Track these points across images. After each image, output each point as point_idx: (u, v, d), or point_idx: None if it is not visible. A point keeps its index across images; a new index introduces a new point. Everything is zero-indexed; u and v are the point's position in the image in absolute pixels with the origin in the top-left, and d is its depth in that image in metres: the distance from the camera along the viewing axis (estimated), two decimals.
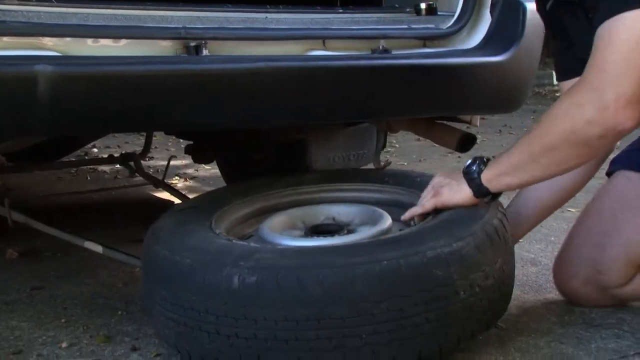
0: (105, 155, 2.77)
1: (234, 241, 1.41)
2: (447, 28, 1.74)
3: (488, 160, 1.44)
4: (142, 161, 2.63)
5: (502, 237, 1.37)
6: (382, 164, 2.06)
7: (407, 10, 1.80)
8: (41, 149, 2.71)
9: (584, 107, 1.26)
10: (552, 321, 1.56)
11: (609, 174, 1.65)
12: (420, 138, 2.28)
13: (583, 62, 1.30)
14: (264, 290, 1.21)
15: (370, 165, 2.19)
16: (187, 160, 3.47)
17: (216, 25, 1.50)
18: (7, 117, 1.24)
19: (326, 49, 1.61)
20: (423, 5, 1.77)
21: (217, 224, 1.51)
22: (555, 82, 8.46)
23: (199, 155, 2.61)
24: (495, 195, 1.44)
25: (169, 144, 4.43)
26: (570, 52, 1.55)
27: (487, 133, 4.82)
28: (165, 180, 2.60)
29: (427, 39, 1.74)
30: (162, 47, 1.43)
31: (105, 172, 3.74)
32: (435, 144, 2.07)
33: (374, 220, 1.52)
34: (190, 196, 2.67)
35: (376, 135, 2.10)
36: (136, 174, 2.61)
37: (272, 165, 2.53)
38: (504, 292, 1.38)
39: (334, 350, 1.20)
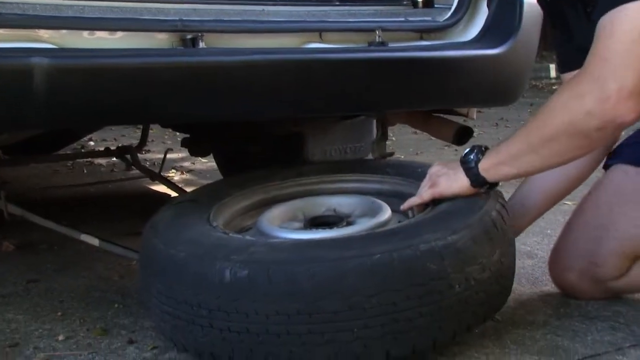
0: (102, 148, 2.77)
1: (230, 234, 1.41)
2: (444, 20, 1.74)
3: (486, 149, 1.42)
4: (138, 154, 2.63)
5: (500, 228, 1.36)
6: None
7: (404, 2, 1.80)
8: (37, 141, 2.70)
9: (584, 98, 1.25)
10: (548, 314, 1.57)
11: (605, 167, 1.65)
12: (417, 131, 2.28)
13: (583, 54, 1.29)
14: (255, 284, 1.20)
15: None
16: (184, 153, 3.46)
17: (213, 18, 1.49)
18: (3, 110, 1.24)
19: (323, 42, 1.61)
20: None
21: (215, 216, 1.50)
22: (552, 75, 8.50)
23: (195, 148, 2.61)
24: (493, 185, 1.43)
25: (166, 137, 4.43)
26: (569, 44, 1.54)
27: (483, 126, 4.83)
28: (161, 173, 2.59)
29: (424, 32, 1.74)
30: (159, 40, 1.42)
31: (101, 165, 3.74)
32: (432, 137, 2.07)
33: (373, 212, 1.51)
34: (187, 189, 2.67)
35: (376, 127, 2.09)
36: (133, 167, 2.61)
37: (268, 158, 2.53)
38: (502, 285, 1.36)
39: (326, 344, 1.19)
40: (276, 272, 1.20)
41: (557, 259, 1.66)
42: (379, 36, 1.61)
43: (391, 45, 1.63)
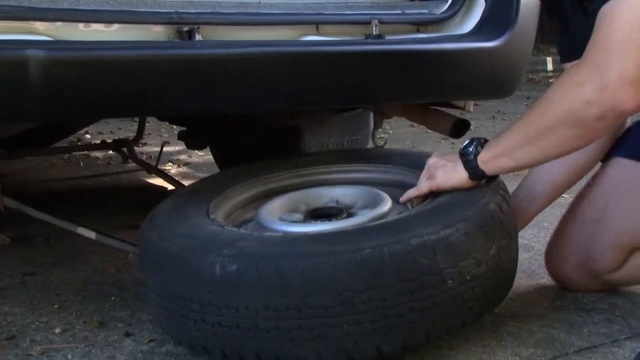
0: (98, 141, 2.76)
1: (226, 227, 1.40)
2: (441, 13, 1.73)
3: (485, 141, 1.41)
4: (135, 147, 2.63)
5: (498, 222, 1.33)
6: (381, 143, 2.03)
7: None
8: (33, 135, 2.69)
9: (583, 87, 1.23)
10: (544, 306, 1.57)
11: (602, 160, 1.65)
12: (414, 124, 2.28)
13: (581, 45, 1.27)
14: (245, 278, 1.19)
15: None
16: (181, 147, 3.45)
17: (209, 10, 1.49)
18: None
19: (319, 34, 1.60)
20: None
21: (215, 208, 1.50)
22: (549, 68, 8.50)
23: (192, 141, 2.61)
24: (491, 179, 1.41)
25: (162, 130, 4.42)
26: (567, 36, 1.54)
27: (480, 119, 4.83)
28: (158, 167, 2.59)
29: (420, 24, 1.73)
30: (155, 32, 1.42)
31: (98, 158, 3.73)
32: (429, 130, 2.07)
33: (374, 203, 1.49)
34: (184, 182, 2.67)
35: (373, 117, 2.09)
36: (129, 160, 2.61)
37: (265, 151, 2.52)
38: (500, 279, 1.34)
39: (316, 340, 1.18)
40: (265, 266, 1.19)
41: (553, 252, 1.66)
42: (375, 27, 1.61)
43: (388, 37, 1.63)
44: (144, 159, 2.93)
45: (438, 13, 1.74)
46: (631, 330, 1.44)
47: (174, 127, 3.66)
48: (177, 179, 2.61)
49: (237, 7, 1.53)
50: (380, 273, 1.18)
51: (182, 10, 1.43)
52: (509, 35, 1.71)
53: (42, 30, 1.30)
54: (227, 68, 1.42)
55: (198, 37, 1.42)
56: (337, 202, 1.58)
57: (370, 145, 2.12)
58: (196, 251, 1.27)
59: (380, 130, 1.97)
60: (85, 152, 3.72)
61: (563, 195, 1.67)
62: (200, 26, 1.42)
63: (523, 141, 1.33)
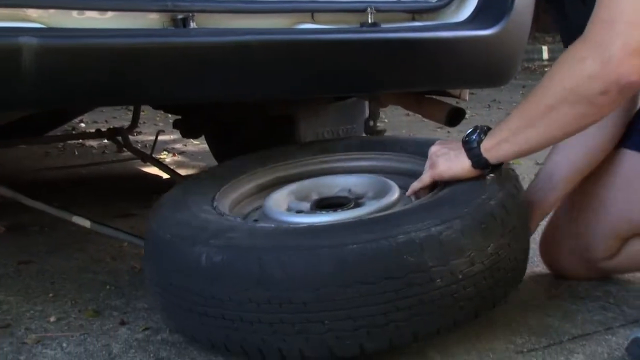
0: (93, 130, 2.76)
1: (224, 216, 1.38)
2: (437, 1, 1.73)
3: (489, 129, 1.36)
4: (130, 136, 2.63)
5: (499, 220, 1.27)
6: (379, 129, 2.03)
7: None
8: (27, 123, 2.68)
9: (585, 62, 1.19)
10: (539, 294, 1.58)
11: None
12: (410, 113, 2.28)
13: (580, 30, 1.24)
14: (229, 270, 1.19)
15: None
16: (176, 135, 3.45)
17: None
18: None
19: (314, 22, 1.59)
20: None
21: (221, 197, 1.48)
22: (544, 56, 8.49)
23: (187, 130, 2.61)
24: (495, 167, 1.36)
25: (157, 118, 4.41)
26: (565, 23, 1.53)
27: (476, 108, 4.83)
28: (153, 155, 2.59)
29: (416, 12, 1.73)
30: (149, 20, 1.41)
31: (92, 147, 3.72)
32: (424, 119, 2.07)
33: (383, 193, 1.46)
34: (179, 171, 2.67)
35: (369, 106, 2.08)
36: (124, 148, 2.61)
37: (260, 140, 2.52)
38: (498, 279, 1.27)
39: (297, 334, 1.16)
40: (248, 258, 1.18)
41: (548, 240, 1.67)
42: (371, 15, 1.60)
43: (383, 26, 1.63)
44: (138, 147, 2.92)
45: (434, 1, 1.73)
46: (625, 317, 1.44)
47: (169, 115, 3.66)
48: (172, 167, 2.60)
49: None
50: (363, 269, 1.15)
51: None
52: (504, 23, 1.70)
53: (35, 18, 1.30)
54: (221, 56, 1.41)
55: (193, 25, 1.41)
56: (349, 191, 1.54)
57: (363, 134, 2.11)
58: (186, 240, 1.27)
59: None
60: (80, 140, 3.71)
61: None
62: (195, 14, 1.42)
63: (525, 124, 1.29)
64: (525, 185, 1.52)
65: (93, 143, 3.75)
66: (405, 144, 1.71)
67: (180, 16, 1.40)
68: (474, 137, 1.35)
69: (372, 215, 1.34)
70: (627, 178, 1.53)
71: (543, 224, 1.67)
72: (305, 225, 1.34)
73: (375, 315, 1.16)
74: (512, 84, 2.09)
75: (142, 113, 2.91)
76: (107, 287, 1.67)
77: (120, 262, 1.84)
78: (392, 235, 1.18)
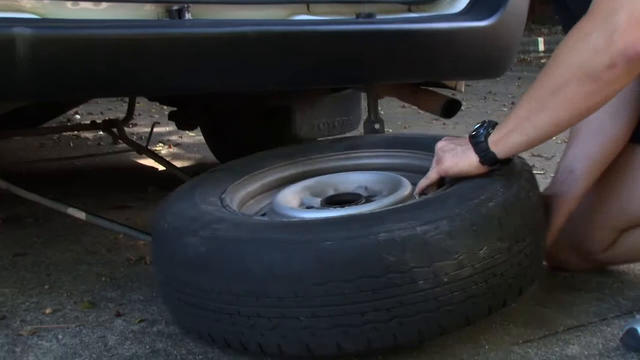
0: (88, 122, 2.75)
1: (224, 208, 1.38)
2: None
3: (496, 124, 1.32)
4: (125, 127, 2.62)
5: (495, 222, 1.21)
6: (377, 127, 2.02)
7: None
8: (22, 114, 2.68)
9: (590, 36, 1.14)
10: (535, 285, 1.58)
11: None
12: (405, 104, 2.28)
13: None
14: (212, 261, 1.19)
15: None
16: (171, 127, 3.44)
17: None
18: None
19: (310, 14, 1.59)
20: None
21: (233, 190, 1.48)
22: (540, 48, 8.49)
23: (182, 121, 2.60)
24: (504, 163, 1.31)
25: (153, 110, 4.40)
26: (567, 14, 1.52)
27: (472, 100, 4.82)
28: (148, 147, 2.58)
29: (411, 4, 1.73)
30: (144, 11, 1.41)
31: (88, 138, 3.71)
32: (420, 111, 2.07)
33: (395, 190, 1.43)
34: (175, 163, 2.67)
35: (367, 100, 2.07)
36: (119, 140, 2.60)
37: (256, 132, 2.52)
38: (494, 285, 1.20)
39: (274, 329, 1.15)
40: (229, 251, 1.18)
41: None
42: (366, 7, 1.60)
43: (379, 17, 1.62)
44: (134, 139, 2.92)
45: None
46: (620, 308, 1.45)
47: (165, 107, 3.65)
48: (167, 159, 2.60)
49: None
50: (339, 266, 1.12)
51: None
52: (500, 14, 1.70)
53: (29, 8, 1.29)
54: (217, 47, 1.40)
55: (188, 16, 1.41)
56: (365, 188, 1.51)
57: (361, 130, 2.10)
58: (176, 231, 1.28)
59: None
60: (75, 132, 3.70)
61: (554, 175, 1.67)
62: (190, 5, 1.41)
63: (532, 108, 1.24)
64: None
65: (88, 135, 3.74)
66: (434, 141, 1.69)
67: (175, 7, 1.40)
68: (481, 131, 1.31)
69: (358, 213, 1.31)
70: (625, 171, 1.54)
71: None
72: (297, 220, 1.33)
73: (352, 315, 1.13)
74: (508, 76, 2.09)
75: (137, 105, 2.90)
76: (103, 278, 1.67)
77: (116, 254, 1.84)
78: (373, 233, 1.14)
